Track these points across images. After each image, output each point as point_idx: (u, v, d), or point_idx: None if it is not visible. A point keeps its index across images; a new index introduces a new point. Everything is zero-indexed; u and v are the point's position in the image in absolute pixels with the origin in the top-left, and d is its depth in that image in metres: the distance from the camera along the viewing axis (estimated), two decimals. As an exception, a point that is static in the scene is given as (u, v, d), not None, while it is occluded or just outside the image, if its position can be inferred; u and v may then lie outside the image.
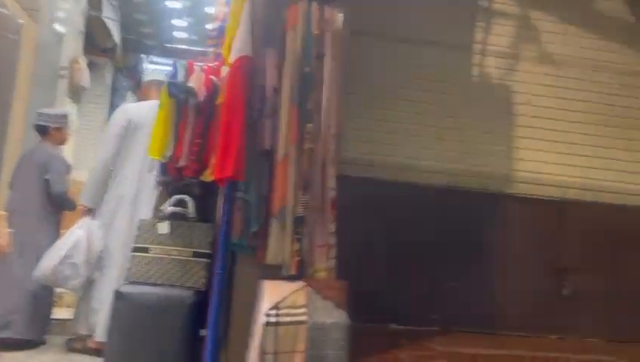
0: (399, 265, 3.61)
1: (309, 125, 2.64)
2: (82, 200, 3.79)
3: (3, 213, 3.01)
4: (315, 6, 2.66)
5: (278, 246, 2.51)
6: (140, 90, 5.41)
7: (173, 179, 3.19)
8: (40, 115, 4.14)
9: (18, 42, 4.77)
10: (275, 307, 2.38)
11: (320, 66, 2.69)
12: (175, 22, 9.14)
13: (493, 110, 4.03)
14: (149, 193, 3.51)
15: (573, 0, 4.24)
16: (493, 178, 3.94)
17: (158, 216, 3.11)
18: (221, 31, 3.27)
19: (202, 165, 2.80)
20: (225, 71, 2.66)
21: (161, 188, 3.36)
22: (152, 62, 10.88)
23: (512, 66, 4.10)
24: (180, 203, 3.10)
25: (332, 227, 2.67)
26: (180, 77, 2.83)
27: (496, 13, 4.13)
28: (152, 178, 3.43)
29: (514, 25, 4.16)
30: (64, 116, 4.27)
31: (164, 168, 3.12)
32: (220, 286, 2.56)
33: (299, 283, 2.50)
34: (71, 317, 3.89)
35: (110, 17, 7.91)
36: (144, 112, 3.71)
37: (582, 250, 3.84)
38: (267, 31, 2.66)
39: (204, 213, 3.20)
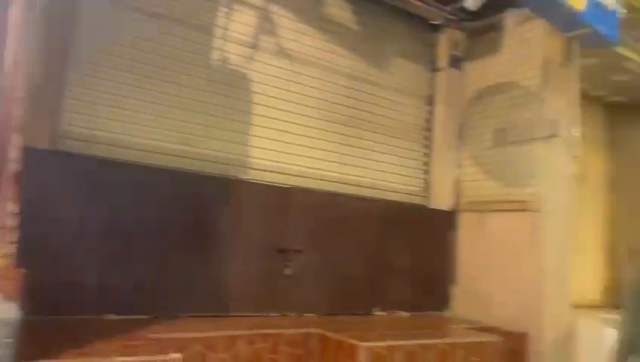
0: (119, 252, 3.34)
1: (-17, 82, 2.18)
2: None
3: None
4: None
5: None
6: None
7: None
8: None
9: None
10: None
11: (5, 14, 2.25)
12: None
13: (229, 96, 4.06)
14: None
15: (310, 2, 4.57)
16: (223, 162, 3.97)
17: None
18: None
19: None
20: None
21: None
22: None
23: (251, 55, 4.21)
24: None
25: (13, 206, 2.26)
26: None
27: (238, 0, 4.18)
28: None
29: (255, 15, 4.27)
30: None
31: None
32: None
33: (-44, 274, 2.04)
34: None
35: None
36: None
37: (303, 233, 4.17)
38: None
39: None
